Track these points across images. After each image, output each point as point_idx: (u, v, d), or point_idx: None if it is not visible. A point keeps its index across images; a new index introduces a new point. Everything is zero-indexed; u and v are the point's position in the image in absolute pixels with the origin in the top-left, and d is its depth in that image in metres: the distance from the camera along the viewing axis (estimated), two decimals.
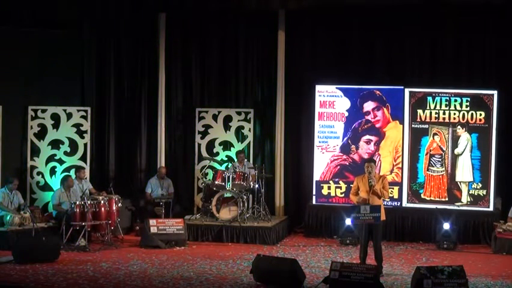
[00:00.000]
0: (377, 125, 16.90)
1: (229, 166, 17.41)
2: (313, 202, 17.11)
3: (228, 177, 16.61)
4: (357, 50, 17.58)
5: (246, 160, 17.45)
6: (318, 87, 17.13)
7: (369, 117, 16.92)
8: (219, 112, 18.11)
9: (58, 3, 17.28)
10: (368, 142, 16.95)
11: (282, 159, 17.81)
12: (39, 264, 13.54)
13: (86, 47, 18.08)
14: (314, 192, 17.08)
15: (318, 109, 17.12)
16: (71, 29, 17.62)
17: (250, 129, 18.02)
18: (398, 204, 16.63)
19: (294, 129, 17.91)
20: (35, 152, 17.37)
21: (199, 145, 18.13)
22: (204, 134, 18.15)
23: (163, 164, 18.01)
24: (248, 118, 18.03)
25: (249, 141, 18.04)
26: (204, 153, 18.03)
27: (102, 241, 15.72)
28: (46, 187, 17.33)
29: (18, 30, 16.95)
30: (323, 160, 17.09)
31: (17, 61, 16.96)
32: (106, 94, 18.36)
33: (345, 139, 17.02)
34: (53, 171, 17.43)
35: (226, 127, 18.08)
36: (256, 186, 16.79)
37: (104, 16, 17.95)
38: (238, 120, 18.06)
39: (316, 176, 17.08)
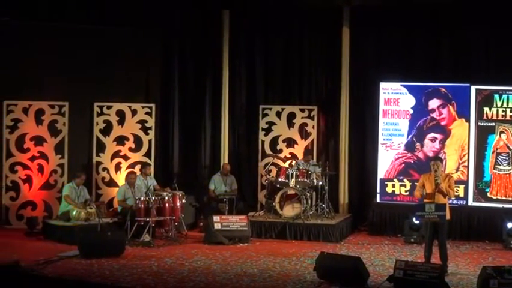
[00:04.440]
0: (443, 123, 16.73)
1: (293, 163, 17.38)
2: (378, 200, 17.01)
3: (292, 174, 16.58)
4: (422, 47, 17.40)
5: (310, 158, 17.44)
6: (383, 84, 17.01)
7: (434, 115, 16.75)
8: (283, 109, 18.11)
9: (122, 1, 17.47)
10: (433, 140, 16.78)
11: (346, 157, 17.74)
12: (105, 259, 13.67)
13: (151, 44, 18.21)
14: (378, 190, 16.98)
15: (382, 106, 17.00)
16: (136, 26, 17.76)
17: (314, 126, 17.98)
18: (464, 203, 16.43)
19: (358, 127, 17.81)
20: (101, 147, 17.58)
21: (263, 142, 18.15)
22: (268, 131, 18.16)
23: (226, 161, 18.07)
24: (312, 115, 18.00)
25: (313, 139, 18.01)
26: (268, 150, 18.04)
27: (166, 237, 15.82)
28: (111, 183, 17.52)
29: (84, 28, 17.15)
30: (388, 158, 16.97)
31: (83, 58, 17.17)
32: (171, 91, 18.49)
33: (409, 137, 16.88)
34: (118, 167, 17.61)
35: (290, 124, 18.06)
36: (320, 183, 16.73)
37: (168, 13, 18.08)
38: (302, 117, 18.03)
39: (381, 174, 16.97)
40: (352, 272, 12.01)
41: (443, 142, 16.72)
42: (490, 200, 16.40)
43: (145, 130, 17.79)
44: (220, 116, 18.33)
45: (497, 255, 14.80)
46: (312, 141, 18.02)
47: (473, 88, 16.50)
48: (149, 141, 17.80)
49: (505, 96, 16.30)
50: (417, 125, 16.83)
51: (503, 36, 16.88)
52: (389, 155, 16.98)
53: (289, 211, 16.41)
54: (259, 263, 13.80)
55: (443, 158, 16.23)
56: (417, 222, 15.55)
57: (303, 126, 18.06)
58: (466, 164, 16.53)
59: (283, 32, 18.24)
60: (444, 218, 12.74)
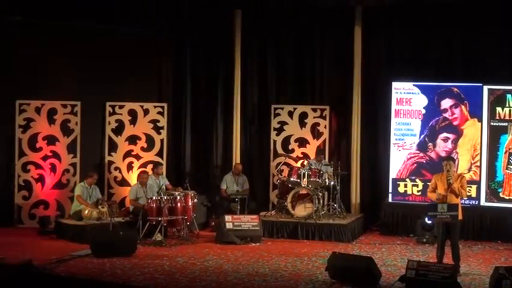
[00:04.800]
0: (455, 123, 16.69)
1: (305, 163, 17.37)
2: (390, 200, 16.98)
3: (304, 174, 16.56)
4: (435, 47, 17.35)
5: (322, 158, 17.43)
6: (395, 84, 16.97)
7: (446, 115, 16.71)
8: (295, 109, 18.09)
9: (135, 0, 17.50)
10: (446, 140, 16.74)
11: (358, 157, 17.71)
12: (117, 258, 13.70)
13: (163, 43, 18.23)
14: (390, 190, 16.95)
15: (394, 106, 16.96)
16: (148, 26, 17.77)
17: (325, 126, 17.96)
18: (476, 203, 16.38)
19: (370, 127, 17.77)
20: (113, 147, 17.61)
21: (275, 142, 18.14)
22: (280, 130, 18.14)
23: (238, 161, 18.07)
24: (324, 115, 17.97)
25: (325, 138, 17.99)
26: (280, 150, 18.03)
27: (178, 236, 15.83)
28: (123, 182, 17.55)
29: (96, 27, 17.18)
30: (400, 157, 16.93)
31: (96, 58, 17.19)
32: (183, 90, 18.51)
33: (422, 137, 16.84)
34: (130, 167, 17.63)
35: (302, 124, 18.04)
36: (332, 183, 16.71)
37: (180, 13, 18.10)
38: (314, 117, 18.01)
39: (393, 174, 16.94)
40: (364, 272, 11.99)
41: (455, 142, 16.67)
42: (503, 200, 16.34)
43: (157, 130, 17.79)
44: (232, 115, 18.32)
45: (509, 256, 14.74)
46: (324, 141, 17.99)
47: (485, 88, 16.45)
48: (161, 140, 17.81)
49: None
50: (430, 124, 16.80)
51: None
52: (401, 154, 16.94)
53: (301, 211, 16.40)
54: (270, 262, 13.79)
55: (455, 158, 16.19)
56: (429, 222, 15.50)
57: (315, 126, 18.04)
58: (478, 164, 16.48)
59: (296, 31, 18.22)
60: (457, 218, 12.69)
